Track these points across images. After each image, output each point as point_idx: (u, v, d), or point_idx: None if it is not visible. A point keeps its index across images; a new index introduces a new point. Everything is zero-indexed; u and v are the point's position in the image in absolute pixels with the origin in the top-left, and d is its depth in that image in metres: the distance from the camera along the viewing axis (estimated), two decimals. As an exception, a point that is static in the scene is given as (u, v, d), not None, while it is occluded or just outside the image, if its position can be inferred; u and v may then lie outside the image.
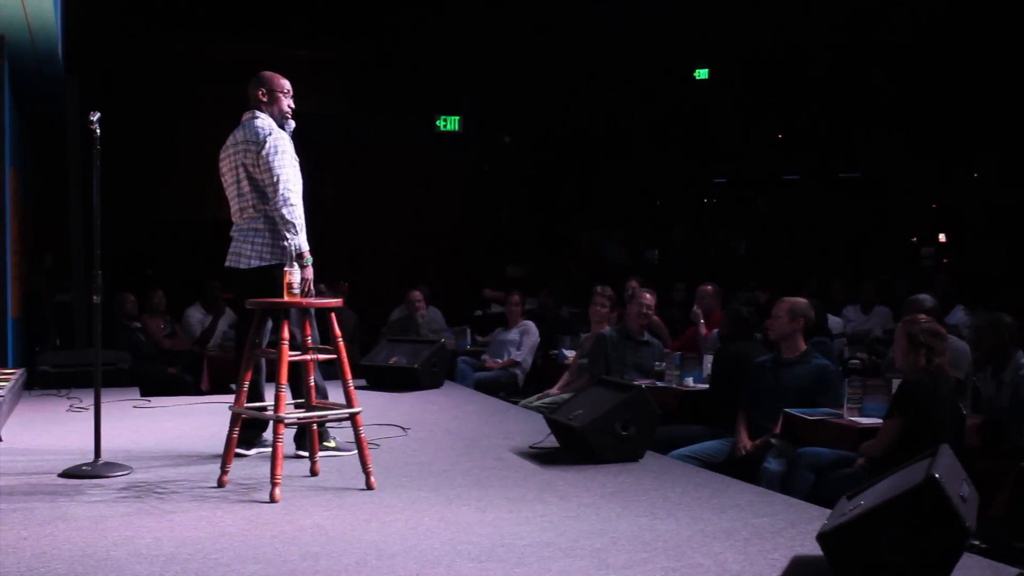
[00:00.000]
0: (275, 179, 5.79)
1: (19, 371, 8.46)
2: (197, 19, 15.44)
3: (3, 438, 6.49)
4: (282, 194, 5.77)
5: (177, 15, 15.31)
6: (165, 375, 10.51)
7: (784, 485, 5.77)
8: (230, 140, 6.08)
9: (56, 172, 12.00)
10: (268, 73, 6.19)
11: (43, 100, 11.50)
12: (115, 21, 14.69)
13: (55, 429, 7.02)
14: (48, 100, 11.46)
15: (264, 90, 6.09)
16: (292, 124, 6.13)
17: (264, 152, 5.82)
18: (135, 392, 9.06)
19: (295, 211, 5.77)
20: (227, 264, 6.06)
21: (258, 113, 6.03)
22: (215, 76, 14.42)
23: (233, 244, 6.05)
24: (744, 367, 6.85)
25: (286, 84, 6.16)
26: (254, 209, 5.95)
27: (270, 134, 5.89)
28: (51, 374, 9.49)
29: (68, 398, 8.52)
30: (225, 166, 6.09)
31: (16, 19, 8.36)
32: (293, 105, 6.19)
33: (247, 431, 5.86)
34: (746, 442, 6.50)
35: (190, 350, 11.25)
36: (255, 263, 5.92)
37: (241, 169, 5.95)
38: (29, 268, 12.46)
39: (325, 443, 5.97)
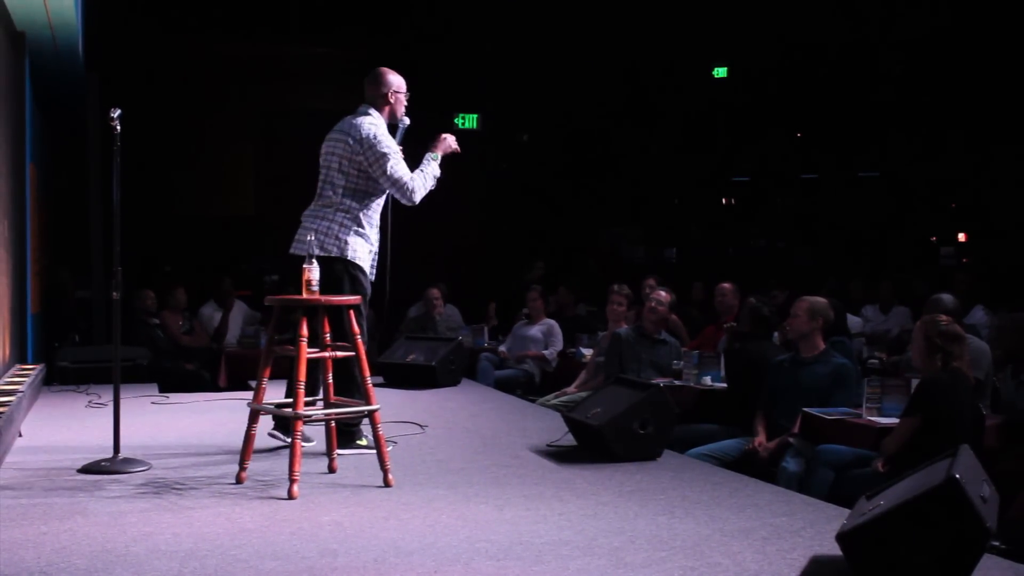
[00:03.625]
0: (385, 159, 5.92)
1: (39, 367, 8.50)
2: (217, 16, 15.46)
3: (23, 434, 6.51)
4: (399, 175, 5.93)
5: (197, 12, 15.33)
6: (183, 371, 10.55)
7: (803, 484, 5.75)
8: (338, 125, 6.14)
9: (77, 168, 12.05)
10: (383, 70, 6.22)
11: (64, 97, 11.56)
12: (135, 18, 14.73)
13: (74, 425, 7.05)
14: (69, 97, 11.53)
15: (377, 88, 6.13)
16: (406, 121, 6.21)
17: (368, 142, 5.92)
18: (153, 388, 9.08)
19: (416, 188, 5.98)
20: (291, 251, 6.07)
21: (370, 109, 6.09)
22: (235, 73, 14.45)
23: (300, 230, 6.06)
24: (761, 366, 6.84)
25: (399, 82, 6.19)
26: (331, 198, 6.00)
27: (372, 134, 5.96)
28: (70, 370, 9.52)
29: (87, 394, 8.54)
30: (325, 149, 6.14)
31: (37, 17, 8.40)
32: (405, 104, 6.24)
33: (282, 420, 5.86)
34: (765, 443, 6.48)
35: (208, 346, 11.28)
36: (316, 251, 5.85)
37: (334, 157, 6.01)
38: (50, 263, 12.53)
39: (358, 442, 5.98)
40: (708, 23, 16.66)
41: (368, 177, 6.01)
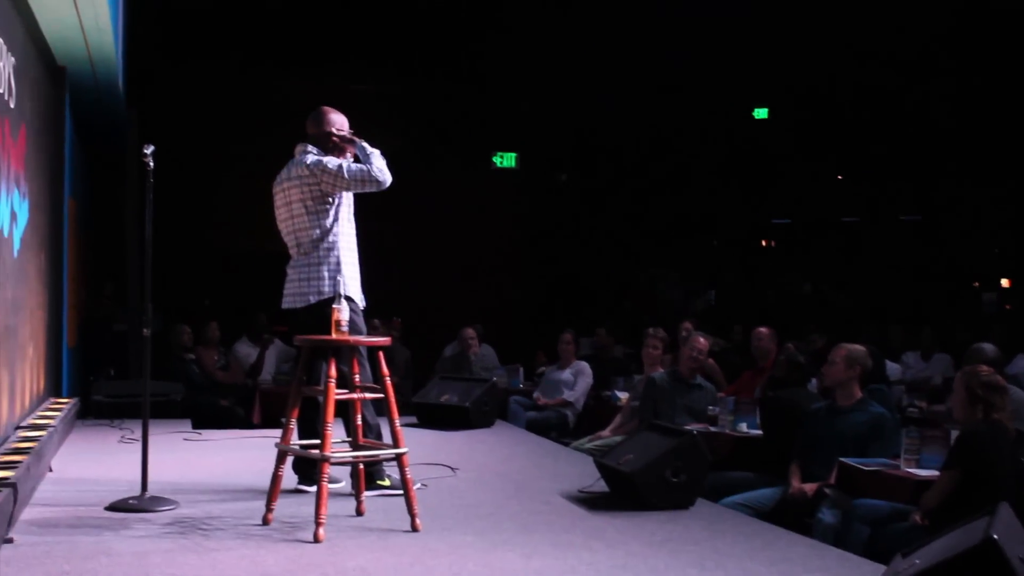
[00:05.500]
0: (338, 168, 5.88)
1: (72, 401, 8.52)
2: (257, 53, 15.60)
3: (53, 468, 6.51)
4: (354, 171, 5.89)
5: (237, 49, 15.48)
6: (217, 407, 10.54)
7: (838, 538, 5.63)
8: (283, 174, 6.11)
9: (116, 202, 12.14)
10: (326, 109, 6.19)
11: (105, 132, 11.67)
12: (174, 54, 14.88)
13: (105, 460, 7.04)
14: (110, 132, 11.62)
15: (318, 126, 6.11)
16: (350, 159, 6.13)
17: (316, 167, 5.89)
18: (187, 424, 9.08)
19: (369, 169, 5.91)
20: (284, 306, 6.07)
21: (310, 147, 6.05)
22: (276, 109, 14.53)
23: (289, 283, 6.05)
24: (797, 414, 6.73)
25: (342, 121, 6.16)
26: (310, 243, 5.96)
27: (316, 160, 5.96)
28: (105, 404, 9.54)
29: (120, 429, 8.55)
30: (279, 200, 6.11)
31: (78, 52, 8.48)
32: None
33: (307, 467, 5.82)
34: (801, 485, 6.35)
35: (243, 382, 11.28)
36: (314, 299, 5.92)
37: (297, 204, 5.97)
38: (89, 297, 12.60)
39: (379, 482, 5.92)
40: (749, 64, 16.62)
41: (329, 204, 5.98)
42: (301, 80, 15.02)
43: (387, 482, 5.92)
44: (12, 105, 6.46)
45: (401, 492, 5.38)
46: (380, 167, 5.94)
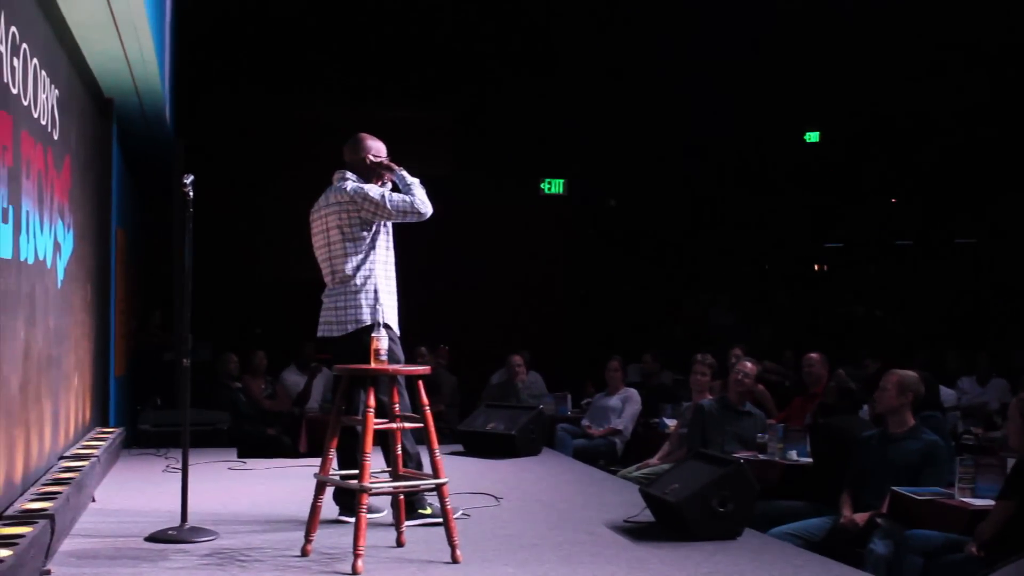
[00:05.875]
0: (380, 196, 5.86)
1: (118, 430, 8.53)
2: (305, 80, 15.69)
3: (96, 498, 6.50)
4: (396, 202, 5.87)
5: (284, 77, 15.58)
6: (264, 436, 10.53)
7: (890, 569, 5.49)
8: (321, 201, 6.08)
9: (164, 232, 12.21)
10: (363, 136, 6.16)
11: (153, 162, 11.75)
12: (221, 85, 15.00)
13: (148, 490, 7.02)
14: (157, 162, 11.70)
15: (355, 153, 6.08)
16: (388, 186, 6.09)
17: (357, 193, 5.85)
18: (232, 453, 9.06)
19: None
20: (320, 334, 6.03)
21: (348, 174, 6.02)
22: (320, 137, 14.60)
23: (325, 311, 6.01)
24: (848, 441, 6.59)
25: (379, 147, 6.11)
26: (347, 271, 5.92)
27: (357, 187, 5.93)
28: (151, 433, 9.55)
29: (166, 458, 8.54)
30: (316, 228, 6.08)
31: (124, 83, 8.54)
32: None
33: (347, 497, 5.76)
34: (853, 515, 6.21)
35: (290, 411, 11.27)
36: (352, 328, 5.88)
37: (335, 231, 5.94)
38: (139, 326, 12.66)
39: (420, 511, 5.84)
40: (800, 87, 16.49)
41: (367, 231, 5.94)
42: (348, 108, 15.09)
43: (428, 510, 5.84)
44: (56, 136, 6.49)
45: (442, 520, 5.32)
46: (422, 199, 5.91)
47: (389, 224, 6.05)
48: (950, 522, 5.60)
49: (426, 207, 5.91)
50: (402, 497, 5.39)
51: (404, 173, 5.99)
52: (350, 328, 5.87)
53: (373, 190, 5.91)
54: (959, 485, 5.76)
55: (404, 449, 5.52)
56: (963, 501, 5.66)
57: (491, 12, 15.99)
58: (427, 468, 5.23)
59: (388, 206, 5.87)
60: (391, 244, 6.10)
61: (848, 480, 6.43)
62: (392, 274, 6.08)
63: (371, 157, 6.05)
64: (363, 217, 5.90)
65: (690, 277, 18.14)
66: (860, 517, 6.12)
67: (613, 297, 17.48)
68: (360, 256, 5.92)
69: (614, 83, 16.45)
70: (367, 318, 5.82)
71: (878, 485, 6.12)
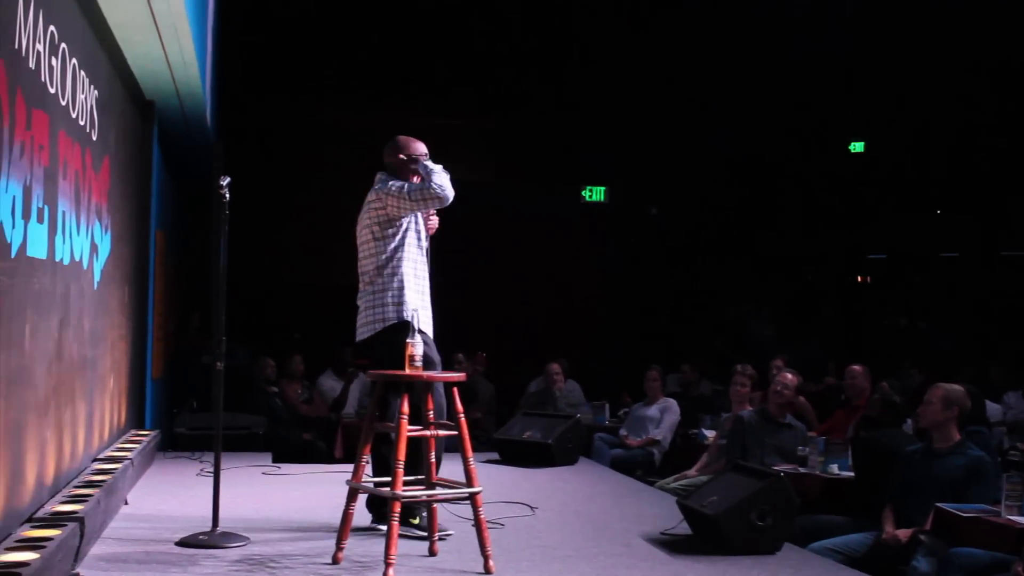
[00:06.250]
0: (399, 189, 5.77)
1: (153, 433, 8.50)
2: (348, 86, 15.70)
3: (128, 502, 6.47)
4: (414, 190, 5.76)
5: (327, 82, 15.59)
6: (300, 441, 10.47)
7: (934, 587, 5.36)
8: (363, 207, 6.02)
9: (203, 234, 12.22)
10: (400, 137, 6.08)
11: (193, 165, 11.77)
12: (262, 89, 15.02)
13: (181, 494, 6.99)
14: (198, 165, 11.72)
15: (392, 154, 6.01)
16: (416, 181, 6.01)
17: (382, 191, 5.80)
18: (268, 458, 9.01)
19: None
20: (357, 339, 5.96)
21: (385, 175, 5.96)
22: (362, 142, 14.60)
23: (359, 315, 5.93)
24: (891, 456, 6.45)
25: (416, 147, 6.03)
26: (374, 270, 5.84)
27: (382, 185, 5.87)
28: (187, 436, 9.53)
29: (200, 462, 8.51)
30: (358, 228, 6.02)
31: (165, 86, 8.54)
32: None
33: (381, 504, 5.68)
34: (895, 531, 6.08)
35: (326, 416, 11.22)
36: (379, 327, 5.79)
37: (365, 231, 5.88)
38: (178, 328, 12.66)
39: (411, 519, 5.69)
40: (845, 97, 16.32)
41: (394, 229, 5.86)
42: (390, 113, 15.06)
43: (417, 520, 5.70)
44: (95, 137, 6.48)
45: (425, 535, 5.23)
46: (440, 183, 5.76)
47: (420, 224, 5.95)
48: (996, 540, 5.45)
49: (444, 191, 5.74)
50: (435, 506, 5.31)
51: (427, 162, 5.89)
52: (378, 327, 5.78)
53: (394, 184, 5.83)
54: (1006, 502, 5.62)
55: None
56: (1010, 519, 5.52)
57: (533, 20, 15.95)
58: (460, 476, 5.15)
59: (407, 196, 5.77)
60: (424, 245, 6.00)
61: (891, 495, 6.30)
62: (424, 274, 5.97)
63: (403, 156, 5.98)
64: (389, 214, 5.81)
65: (730, 287, 17.98)
66: (903, 533, 5.98)
67: (653, 306, 17.35)
68: (386, 255, 5.83)
69: (657, 91, 16.34)
70: (393, 316, 5.74)
71: (922, 501, 5.99)
